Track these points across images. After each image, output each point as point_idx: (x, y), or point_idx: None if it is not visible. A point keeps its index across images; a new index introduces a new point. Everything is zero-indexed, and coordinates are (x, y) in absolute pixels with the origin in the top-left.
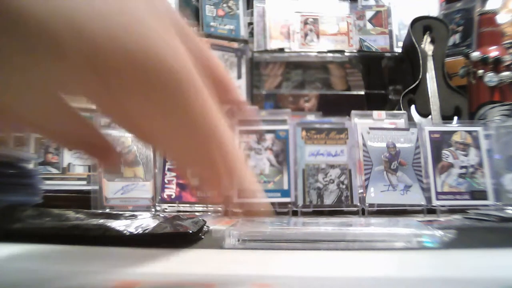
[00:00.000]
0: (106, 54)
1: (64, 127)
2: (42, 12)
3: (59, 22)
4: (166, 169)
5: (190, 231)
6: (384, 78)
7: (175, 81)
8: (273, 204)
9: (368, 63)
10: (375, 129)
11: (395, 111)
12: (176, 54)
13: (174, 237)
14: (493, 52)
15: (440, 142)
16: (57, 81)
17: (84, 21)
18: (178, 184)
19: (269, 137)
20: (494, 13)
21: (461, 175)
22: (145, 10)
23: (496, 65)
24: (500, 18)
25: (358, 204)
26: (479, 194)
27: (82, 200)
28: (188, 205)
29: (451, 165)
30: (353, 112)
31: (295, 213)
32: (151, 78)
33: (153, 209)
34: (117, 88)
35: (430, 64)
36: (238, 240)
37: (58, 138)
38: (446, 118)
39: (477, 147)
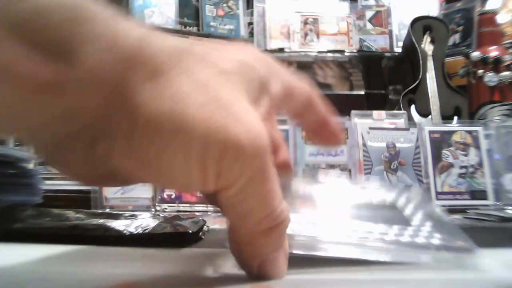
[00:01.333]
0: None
1: None
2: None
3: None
4: None
5: (190, 231)
6: (384, 78)
7: (263, 163)
8: None
9: (368, 63)
10: (375, 129)
11: (395, 111)
12: (263, 137)
13: (174, 237)
14: (493, 52)
15: (440, 142)
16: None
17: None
18: None
19: None
20: (494, 13)
21: (461, 175)
22: (233, 94)
23: (496, 65)
24: (500, 18)
25: None
26: (479, 194)
27: (82, 200)
28: (188, 205)
29: (451, 165)
30: (353, 112)
31: None
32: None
33: (153, 209)
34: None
35: (430, 64)
36: None
37: None
38: (446, 118)
39: (477, 147)
